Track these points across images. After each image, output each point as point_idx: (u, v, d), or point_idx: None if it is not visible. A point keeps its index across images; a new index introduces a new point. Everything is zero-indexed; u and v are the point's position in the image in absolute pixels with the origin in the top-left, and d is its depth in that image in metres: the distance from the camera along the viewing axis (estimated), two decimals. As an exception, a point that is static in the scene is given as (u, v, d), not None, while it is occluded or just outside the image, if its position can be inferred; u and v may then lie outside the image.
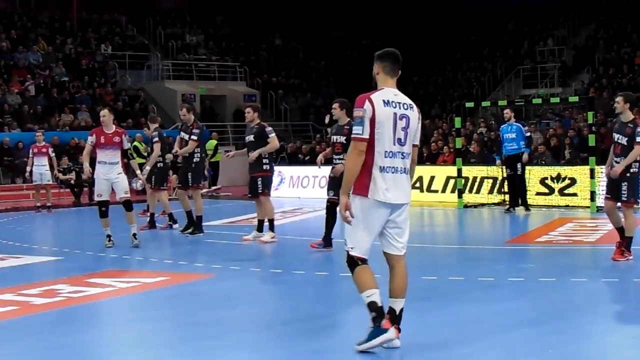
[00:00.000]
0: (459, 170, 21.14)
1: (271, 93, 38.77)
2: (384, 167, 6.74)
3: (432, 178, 23.27)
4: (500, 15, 42.11)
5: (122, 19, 41.22)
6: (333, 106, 13.17)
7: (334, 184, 12.68)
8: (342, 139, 12.68)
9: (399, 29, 43.18)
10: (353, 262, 6.81)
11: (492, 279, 10.40)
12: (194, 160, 15.83)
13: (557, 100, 25.12)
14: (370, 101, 6.72)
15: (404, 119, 6.81)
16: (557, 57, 38.04)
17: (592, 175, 18.83)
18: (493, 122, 28.35)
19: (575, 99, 25.95)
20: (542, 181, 20.65)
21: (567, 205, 19.92)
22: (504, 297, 9.22)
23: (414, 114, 6.92)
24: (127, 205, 14.22)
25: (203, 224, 16.02)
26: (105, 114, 14.29)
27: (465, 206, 20.88)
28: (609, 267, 11.45)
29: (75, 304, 9.51)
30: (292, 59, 42.96)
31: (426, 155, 26.33)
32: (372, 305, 6.72)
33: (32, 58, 34.60)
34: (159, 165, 17.13)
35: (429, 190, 23.24)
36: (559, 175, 20.55)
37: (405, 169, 6.87)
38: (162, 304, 9.62)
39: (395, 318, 6.84)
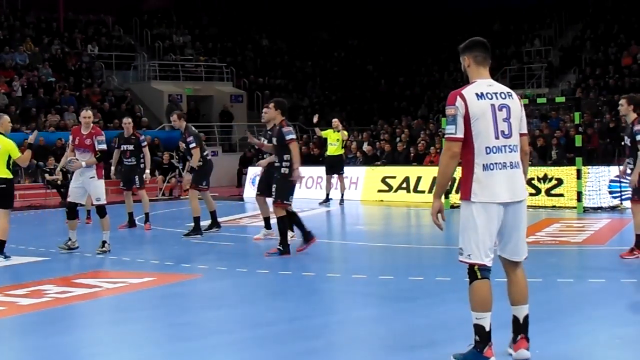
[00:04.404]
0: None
1: (257, 93, 38.74)
2: (487, 164, 6.25)
3: (419, 179, 23.28)
4: (487, 15, 42.20)
5: (109, 20, 41.16)
6: (265, 107, 13.44)
7: None
8: (274, 140, 12.93)
9: (385, 29, 43.22)
10: (473, 274, 6.27)
11: (478, 279, 10.40)
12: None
13: (543, 100, 25.19)
14: (462, 97, 6.22)
15: (504, 109, 6.28)
16: (543, 58, 38.14)
17: (578, 175, 18.89)
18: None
19: (562, 99, 26.05)
20: (529, 181, 20.61)
21: (554, 206, 19.95)
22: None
23: (515, 102, 6.38)
24: (99, 211, 13.58)
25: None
26: (89, 116, 13.62)
27: (452, 207, 20.77)
28: (596, 268, 11.51)
29: (62, 305, 9.48)
30: (278, 60, 42.94)
31: (413, 155, 26.41)
32: (478, 329, 6.23)
33: (18, 58, 34.47)
34: (141, 165, 17.36)
35: (415, 190, 23.25)
36: (545, 175, 20.58)
37: (515, 162, 6.32)
38: (148, 305, 9.60)
39: (520, 327, 6.42)
